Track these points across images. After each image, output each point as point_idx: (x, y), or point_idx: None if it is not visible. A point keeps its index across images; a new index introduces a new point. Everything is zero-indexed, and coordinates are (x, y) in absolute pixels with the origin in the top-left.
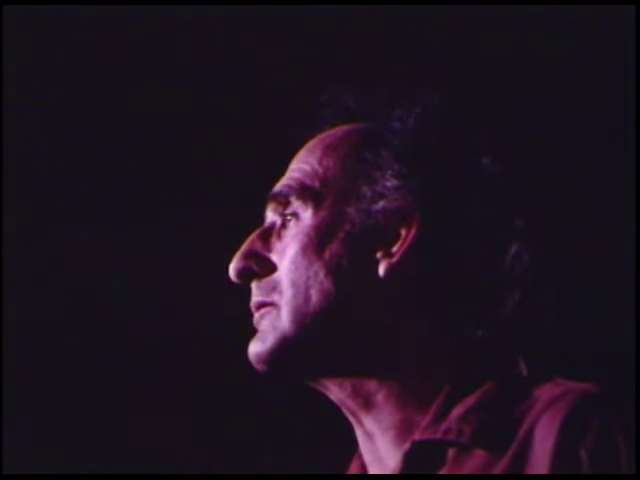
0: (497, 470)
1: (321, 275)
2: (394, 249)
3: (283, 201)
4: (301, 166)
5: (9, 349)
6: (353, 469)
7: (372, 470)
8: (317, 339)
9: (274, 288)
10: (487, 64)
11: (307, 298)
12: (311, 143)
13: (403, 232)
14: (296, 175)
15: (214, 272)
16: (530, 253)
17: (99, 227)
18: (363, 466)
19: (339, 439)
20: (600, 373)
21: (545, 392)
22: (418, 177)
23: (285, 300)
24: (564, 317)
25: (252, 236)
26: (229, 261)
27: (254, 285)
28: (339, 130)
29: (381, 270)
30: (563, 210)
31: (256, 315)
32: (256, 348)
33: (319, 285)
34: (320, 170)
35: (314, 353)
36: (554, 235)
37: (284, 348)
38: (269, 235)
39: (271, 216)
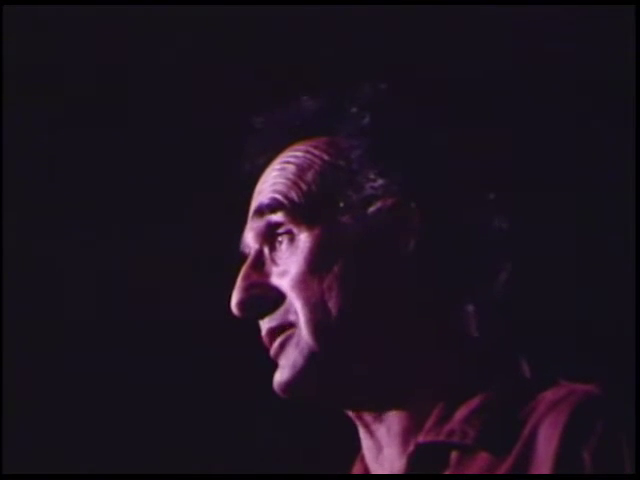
0: (500, 472)
1: (335, 288)
2: (403, 245)
3: (269, 219)
4: (279, 181)
5: (9, 349)
6: (356, 472)
7: (375, 471)
8: (344, 353)
9: (287, 311)
10: (486, 63)
11: (326, 313)
12: (277, 166)
13: (406, 227)
14: (279, 188)
15: (215, 272)
16: (512, 224)
17: (99, 226)
18: (366, 469)
19: (342, 438)
20: (603, 374)
21: (548, 394)
22: (400, 169)
23: (303, 320)
24: (566, 317)
25: (244, 270)
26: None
27: (265, 317)
28: (299, 151)
29: (397, 269)
30: (560, 206)
31: (275, 345)
32: (286, 376)
33: (335, 299)
34: (304, 187)
35: (343, 369)
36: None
37: (315, 369)
38: (262, 263)
39: (255, 244)
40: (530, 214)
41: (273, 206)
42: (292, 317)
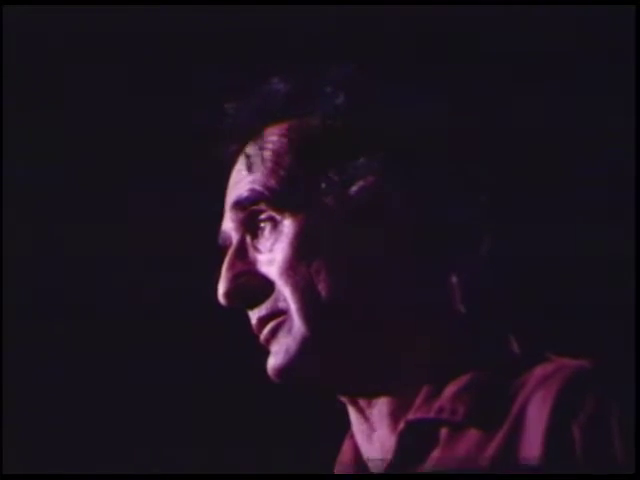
0: (490, 448)
1: (324, 271)
2: (387, 222)
3: (250, 210)
4: (256, 170)
5: (9, 349)
6: (346, 450)
7: (366, 451)
8: (336, 335)
9: (277, 299)
10: (486, 63)
11: (316, 297)
12: (252, 152)
13: (389, 204)
14: (257, 178)
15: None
16: (492, 200)
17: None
18: (356, 447)
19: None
20: (593, 348)
21: (538, 369)
22: (380, 146)
23: (294, 307)
24: (555, 291)
25: (228, 260)
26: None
27: (255, 308)
28: (273, 135)
29: (382, 247)
30: (549, 178)
31: (265, 331)
32: (280, 361)
33: (324, 282)
34: (282, 173)
35: (336, 351)
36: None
37: (309, 353)
38: (245, 252)
39: (236, 234)
40: (518, 187)
41: (252, 198)
42: (282, 304)
